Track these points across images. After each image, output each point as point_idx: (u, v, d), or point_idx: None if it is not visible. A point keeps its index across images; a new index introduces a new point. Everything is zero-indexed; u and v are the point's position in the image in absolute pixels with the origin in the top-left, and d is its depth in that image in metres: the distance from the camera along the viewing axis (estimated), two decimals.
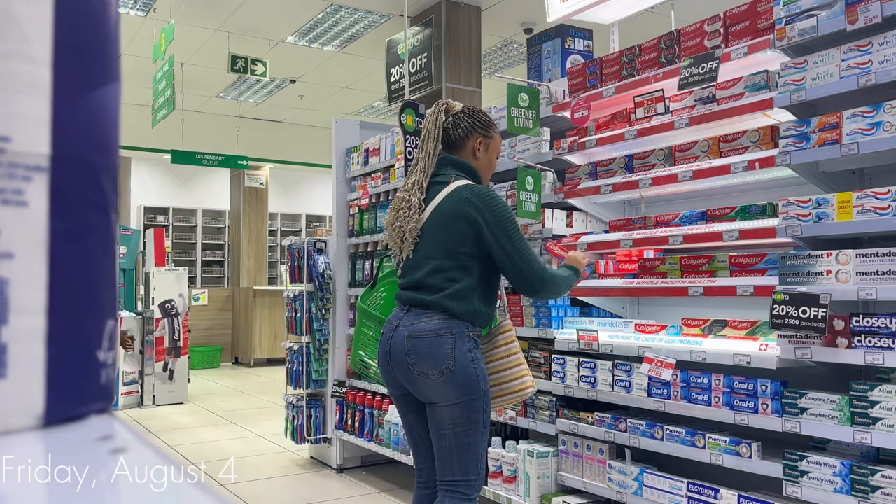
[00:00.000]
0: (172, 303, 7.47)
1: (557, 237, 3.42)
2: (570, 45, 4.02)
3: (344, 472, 4.89)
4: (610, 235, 3.21)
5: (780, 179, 2.78)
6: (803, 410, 2.38)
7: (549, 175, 3.50)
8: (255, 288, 10.91)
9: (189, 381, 7.75)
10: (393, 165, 4.56)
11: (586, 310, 3.44)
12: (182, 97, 9.41)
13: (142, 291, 7.91)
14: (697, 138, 2.88)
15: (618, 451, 3.09)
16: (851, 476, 2.26)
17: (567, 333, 3.29)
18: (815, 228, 2.37)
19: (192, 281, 12.88)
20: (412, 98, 6.49)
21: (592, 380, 3.12)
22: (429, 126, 2.55)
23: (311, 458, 5.25)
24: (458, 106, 2.60)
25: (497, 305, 2.55)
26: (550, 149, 3.50)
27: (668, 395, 2.81)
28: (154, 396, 7.39)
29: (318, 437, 5.01)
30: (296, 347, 5.19)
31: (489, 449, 3.59)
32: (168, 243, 11.09)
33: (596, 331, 3.14)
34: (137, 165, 12.62)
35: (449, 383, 2.33)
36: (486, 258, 2.40)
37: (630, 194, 3.29)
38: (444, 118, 2.55)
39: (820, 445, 2.49)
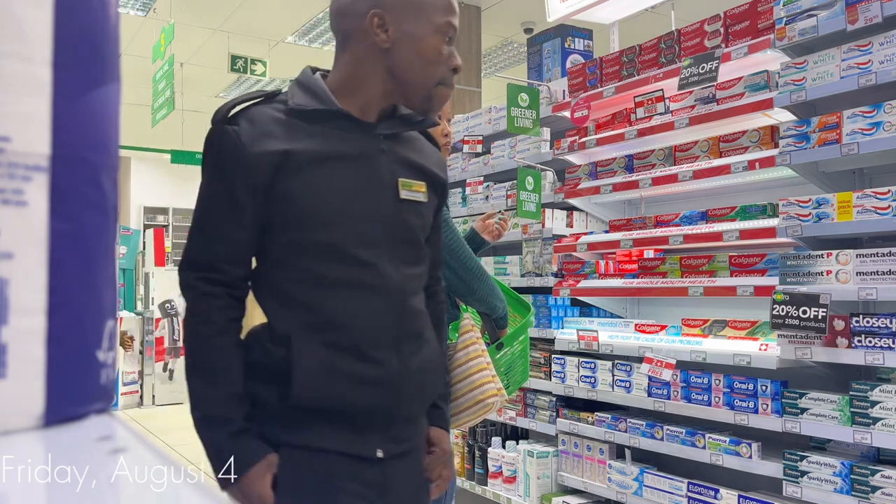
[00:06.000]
0: (172, 303, 7.46)
1: (557, 237, 3.42)
2: (570, 45, 4.02)
3: None
4: (610, 235, 3.21)
5: (780, 179, 2.78)
6: (803, 410, 2.38)
7: (549, 175, 3.50)
8: None
9: None
10: None
11: (586, 310, 3.44)
12: (182, 97, 9.41)
13: (142, 291, 7.91)
14: (697, 138, 2.87)
15: (618, 451, 3.08)
16: (851, 476, 2.26)
17: (567, 333, 3.29)
18: (815, 228, 2.37)
19: None
20: None
21: (592, 380, 3.12)
22: None
23: None
24: None
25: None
26: (550, 149, 3.50)
27: (668, 395, 2.81)
28: (154, 396, 7.38)
29: None
30: None
31: (489, 449, 3.58)
32: (168, 243, 11.08)
33: (596, 331, 3.14)
34: (137, 165, 12.63)
35: None
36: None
37: (630, 194, 3.28)
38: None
39: (820, 445, 2.49)
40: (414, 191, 1.37)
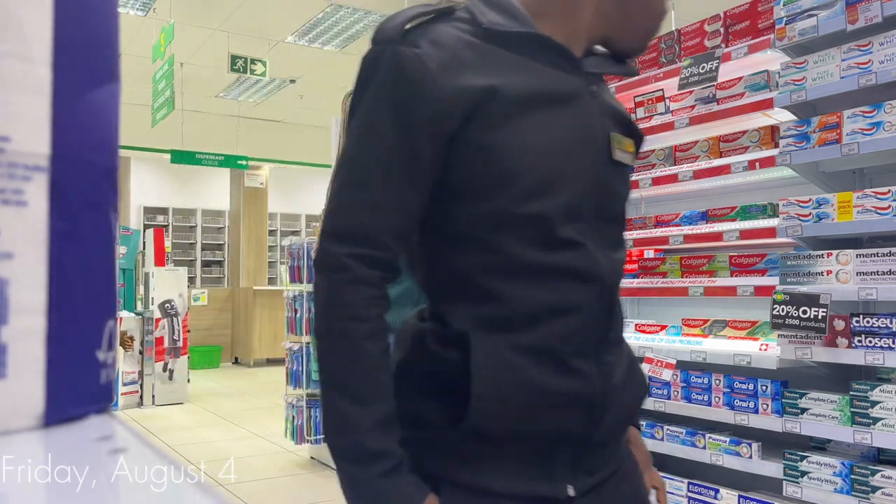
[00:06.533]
0: (172, 303, 7.46)
1: None
2: None
3: None
4: None
5: (780, 179, 2.78)
6: (803, 410, 2.38)
7: None
8: (254, 288, 10.91)
9: (189, 381, 7.75)
10: None
11: None
12: (182, 97, 9.41)
13: (141, 291, 7.91)
14: (697, 138, 2.88)
15: None
16: (852, 476, 2.26)
17: None
18: (815, 228, 2.37)
19: (191, 281, 12.88)
20: None
21: None
22: None
23: (311, 458, 5.25)
24: None
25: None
26: None
27: (668, 395, 2.81)
28: (154, 396, 7.38)
29: (318, 437, 5.01)
30: (296, 347, 5.20)
31: None
32: (168, 243, 11.09)
33: None
34: (137, 165, 12.63)
35: None
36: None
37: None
38: None
39: (820, 445, 2.49)
40: (625, 151, 1.03)
